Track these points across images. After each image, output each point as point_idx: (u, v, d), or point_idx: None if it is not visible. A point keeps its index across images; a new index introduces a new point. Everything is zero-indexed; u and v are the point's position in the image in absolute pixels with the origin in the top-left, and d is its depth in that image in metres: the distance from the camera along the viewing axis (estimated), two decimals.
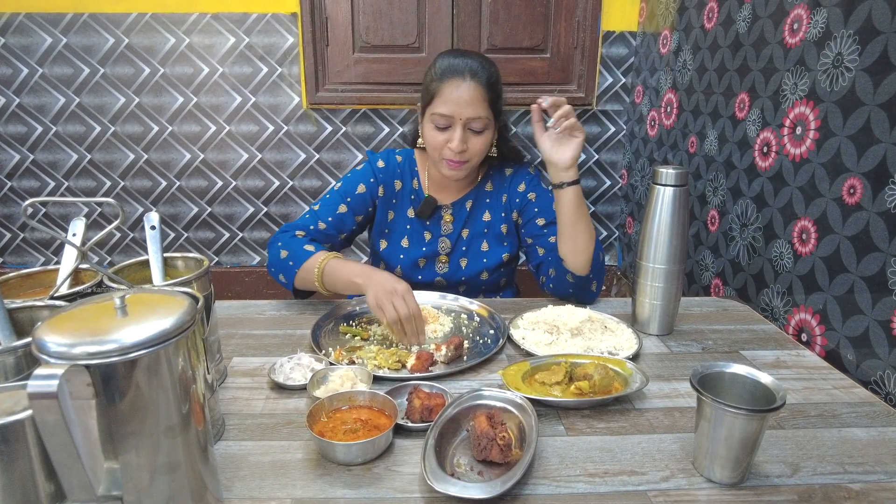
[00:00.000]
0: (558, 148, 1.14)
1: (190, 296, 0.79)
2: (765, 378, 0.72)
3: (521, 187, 1.35)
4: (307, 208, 1.33)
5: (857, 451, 0.78)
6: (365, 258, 2.37)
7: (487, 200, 1.36)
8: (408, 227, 1.36)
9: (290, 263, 1.20)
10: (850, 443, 0.80)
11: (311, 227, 1.28)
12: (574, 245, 1.18)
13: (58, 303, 0.74)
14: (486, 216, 1.36)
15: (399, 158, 1.37)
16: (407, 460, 0.75)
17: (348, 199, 1.31)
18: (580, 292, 1.22)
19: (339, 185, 1.34)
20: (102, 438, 0.53)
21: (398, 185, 1.36)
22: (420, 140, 1.29)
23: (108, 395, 0.52)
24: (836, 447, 0.79)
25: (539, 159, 2.29)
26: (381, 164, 1.35)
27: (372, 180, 1.33)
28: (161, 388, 0.55)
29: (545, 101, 1.12)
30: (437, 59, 1.23)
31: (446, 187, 1.36)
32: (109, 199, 0.74)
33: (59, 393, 0.46)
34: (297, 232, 1.27)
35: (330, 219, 1.29)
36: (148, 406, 0.54)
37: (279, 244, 1.23)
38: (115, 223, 0.76)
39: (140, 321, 0.54)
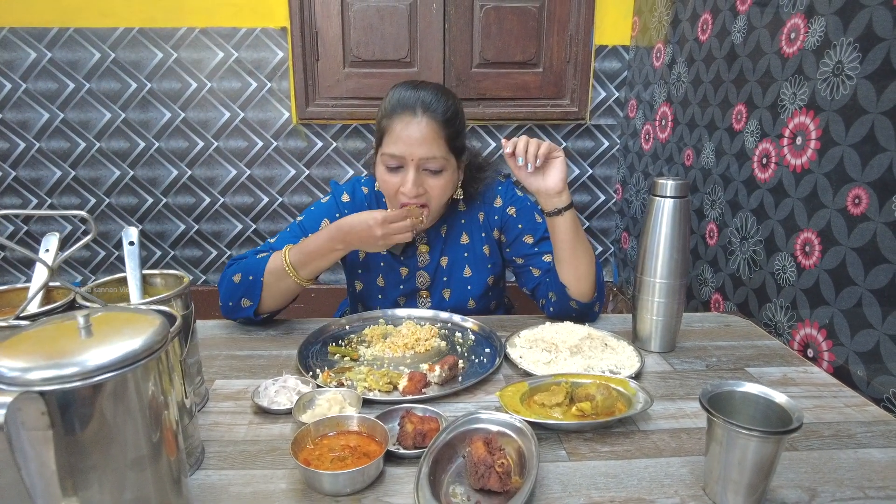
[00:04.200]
0: (542, 176, 1.06)
1: (166, 315, 0.74)
2: (779, 397, 0.68)
3: (498, 202, 1.24)
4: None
5: (877, 474, 0.73)
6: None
7: (463, 221, 1.25)
8: (381, 264, 1.25)
9: (250, 278, 1.09)
10: (868, 465, 0.75)
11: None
12: (576, 272, 1.11)
13: (23, 323, 0.69)
14: (464, 238, 1.25)
15: (365, 190, 1.25)
16: (399, 490, 0.70)
17: (309, 235, 1.17)
18: (583, 315, 1.17)
19: (300, 218, 1.24)
20: (60, 473, 0.48)
21: None
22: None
23: (66, 424, 0.47)
24: (854, 469, 0.74)
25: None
26: (346, 198, 1.24)
27: (337, 216, 1.20)
28: (128, 416, 0.50)
29: (508, 148, 1.05)
30: (389, 91, 1.12)
31: None
32: (82, 213, 0.69)
33: (8, 424, 0.42)
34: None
35: None
36: (113, 436, 0.49)
37: (229, 275, 1.12)
38: (87, 238, 0.71)
39: (105, 342, 0.50)
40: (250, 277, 1.10)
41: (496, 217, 1.24)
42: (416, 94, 1.08)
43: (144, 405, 0.52)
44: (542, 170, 1.06)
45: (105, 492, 0.50)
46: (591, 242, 2.43)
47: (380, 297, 1.26)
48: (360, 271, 1.27)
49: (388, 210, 0.99)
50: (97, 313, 0.54)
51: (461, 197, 1.21)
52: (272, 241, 1.21)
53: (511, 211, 1.23)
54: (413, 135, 1.06)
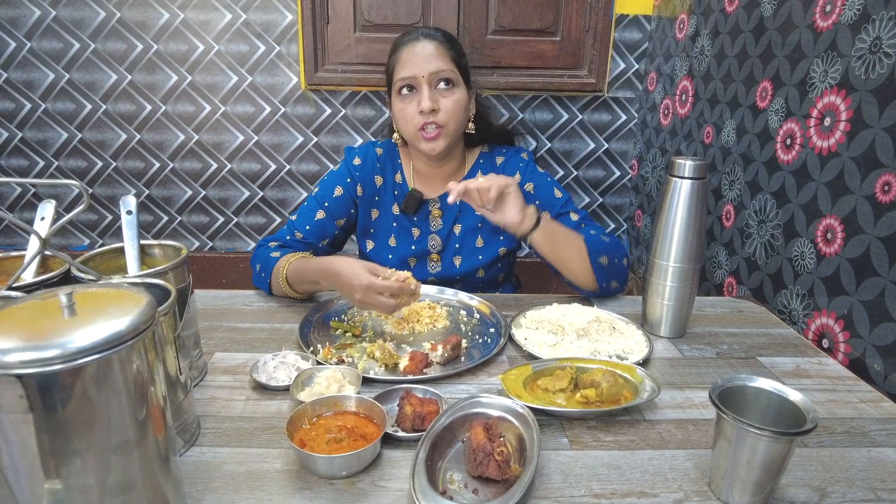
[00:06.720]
0: (499, 212, 1.05)
1: (161, 289, 0.72)
2: (794, 395, 0.65)
3: (517, 178, 1.24)
4: (303, 194, 1.28)
5: (890, 475, 0.71)
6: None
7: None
8: (394, 224, 1.27)
9: (263, 275, 1.16)
10: (881, 465, 0.73)
11: (288, 238, 1.23)
12: (570, 272, 1.14)
13: (13, 294, 0.67)
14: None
15: (379, 151, 1.28)
16: (395, 474, 0.69)
17: (326, 205, 1.24)
18: (600, 294, 1.18)
19: (316, 189, 1.28)
20: (42, 455, 0.46)
21: (379, 180, 1.27)
22: (395, 135, 1.24)
23: (47, 407, 0.45)
24: (867, 469, 0.72)
25: (533, 146, 2.21)
26: (357, 161, 1.27)
27: (349, 181, 1.26)
28: (113, 399, 0.48)
29: (451, 196, 1.01)
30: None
31: (432, 179, 1.26)
32: (77, 182, 0.67)
33: None
34: (272, 243, 1.22)
35: (308, 227, 1.23)
36: (96, 420, 0.47)
37: (256, 261, 1.19)
38: (79, 209, 0.69)
39: (89, 323, 0.48)
40: (263, 274, 1.16)
41: None
42: (416, 30, 1.19)
43: (130, 387, 0.50)
44: (499, 204, 1.04)
45: (89, 476, 0.48)
46: (605, 219, 2.38)
47: (390, 257, 1.27)
48: (371, 230, 1.29)
49: (382, 280, 0.95)
50: (81, 290, 0.52)
51: (474, 131, 1.24)
52: (293, 218, 1.26)
53: (529, 187, 1.24)
54: (419, 53, 1.14)
